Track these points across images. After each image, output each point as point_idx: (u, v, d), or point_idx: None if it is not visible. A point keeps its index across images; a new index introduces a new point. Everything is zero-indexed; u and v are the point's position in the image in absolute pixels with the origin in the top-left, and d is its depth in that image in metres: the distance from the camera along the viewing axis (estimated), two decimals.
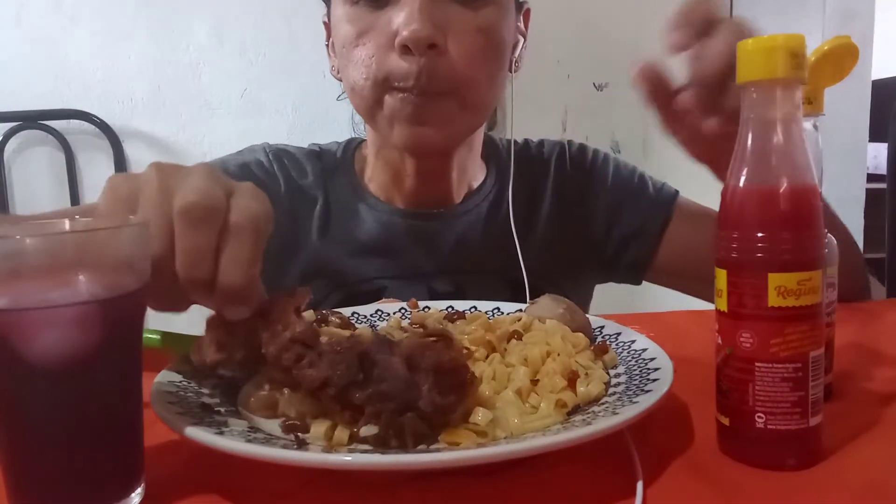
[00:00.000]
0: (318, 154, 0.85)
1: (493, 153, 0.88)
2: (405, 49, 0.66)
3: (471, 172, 0.84)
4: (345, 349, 0.37)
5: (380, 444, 0.36)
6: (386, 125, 0.71)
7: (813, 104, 0.45)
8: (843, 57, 0.46)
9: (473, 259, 0.81)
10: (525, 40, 0.81)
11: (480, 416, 0.38)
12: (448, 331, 0.51)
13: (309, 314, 0.49)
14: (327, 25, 0.78)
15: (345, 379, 0.36)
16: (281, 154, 0.84)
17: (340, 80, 0.76)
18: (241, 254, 0.37)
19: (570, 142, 0.90)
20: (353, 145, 0.87)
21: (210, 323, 0.41)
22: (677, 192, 0.87)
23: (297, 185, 0.82)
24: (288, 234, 0.79)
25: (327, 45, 0.79)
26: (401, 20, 0.66)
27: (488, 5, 0.70)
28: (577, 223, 0.85)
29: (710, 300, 0.40)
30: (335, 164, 0.84)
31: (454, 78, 0.68)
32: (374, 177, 0.82)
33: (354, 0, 0.69)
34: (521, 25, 0.81)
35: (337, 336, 0.46)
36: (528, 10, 0.82)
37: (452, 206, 0.82)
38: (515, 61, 0.79)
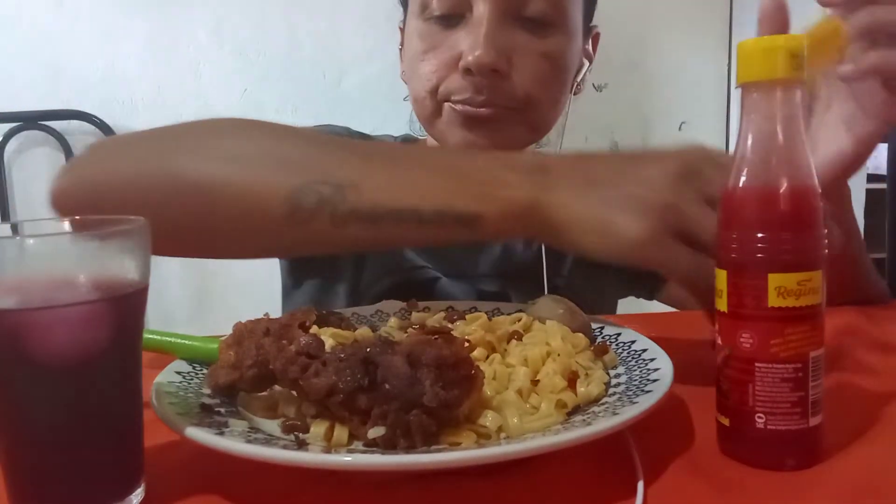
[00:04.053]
0: None
1: None
2: (468, 71, 0.67)
3: None
4: (348, 356, 0.37)
5: (388, 444, 0.36)
6: (442, 132, 0.73)
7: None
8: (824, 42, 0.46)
9: (518, 266, 0.82)
10: (590, 63, 0.81)
11: (490, 419, 0.38)
12: (448, 327, 0.51)
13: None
14: (402, 31, 0.79)
15: (350, 385, 0.36)
16: (357, 134, 0.85)
17: (407, 85, 0.77)
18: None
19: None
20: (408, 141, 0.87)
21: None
22: None
23: None
24: None
25: (400, 50, 0.81)
26: (467, 44, 0.67)
27: (556, 33, 0.71)
28: None
29: None
30: None
31: (515, 99, 0.70)
32: None
33: (427, 17, 0.71)
34: (589, 48, 0.81)
35: (339, 337, 0.46)
36: (597, 34, 0.81)
37: None
38: (578, 84, 0.79)
